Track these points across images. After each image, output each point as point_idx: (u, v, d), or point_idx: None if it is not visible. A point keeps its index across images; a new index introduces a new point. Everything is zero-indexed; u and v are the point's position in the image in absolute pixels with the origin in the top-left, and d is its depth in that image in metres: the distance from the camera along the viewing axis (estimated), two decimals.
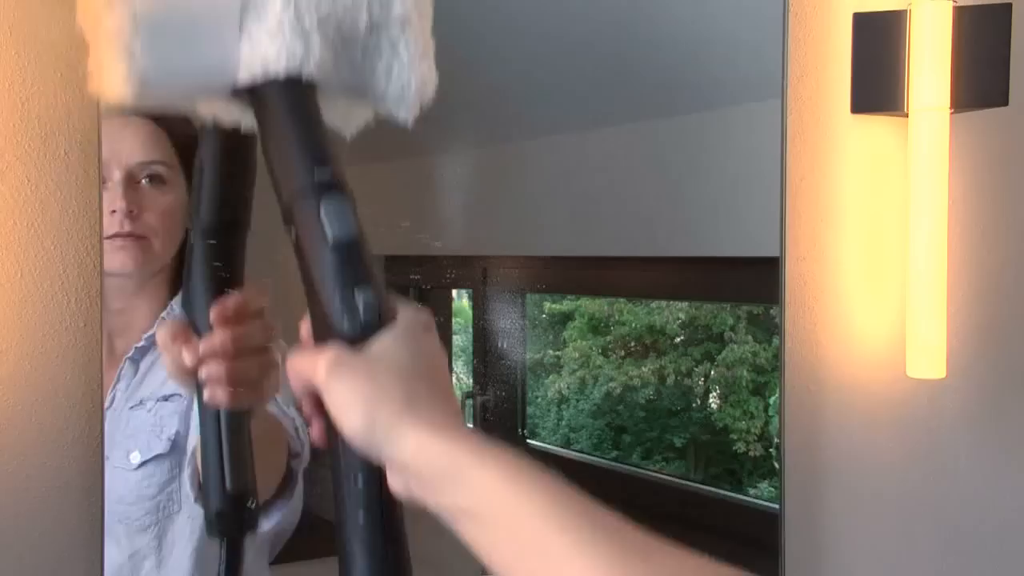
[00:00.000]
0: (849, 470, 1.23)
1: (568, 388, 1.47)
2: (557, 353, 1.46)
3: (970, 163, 1.23)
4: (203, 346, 0.66)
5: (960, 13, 1.11)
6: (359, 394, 0.50)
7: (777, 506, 1.21)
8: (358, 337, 0.51)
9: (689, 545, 1.40)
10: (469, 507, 0.49)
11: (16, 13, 0.88)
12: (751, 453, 1.38)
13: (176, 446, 0.91)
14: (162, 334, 0.68)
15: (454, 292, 1.34)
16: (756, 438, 1.38)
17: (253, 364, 0.67)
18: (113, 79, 0.51)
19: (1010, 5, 1.12)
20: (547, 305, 1.46)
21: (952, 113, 1.13)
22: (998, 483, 1.27)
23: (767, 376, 1.37)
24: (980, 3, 1.12)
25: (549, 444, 1.46)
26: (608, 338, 1.48)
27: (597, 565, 0.45)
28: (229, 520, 0.64)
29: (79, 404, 0.91)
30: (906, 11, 1.13)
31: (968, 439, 1.26)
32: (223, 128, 0.59)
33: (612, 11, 1.23)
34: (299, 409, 0.56)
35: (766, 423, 1.37)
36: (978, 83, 1.12)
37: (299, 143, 0.52)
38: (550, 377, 1.46)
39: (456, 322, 1.33)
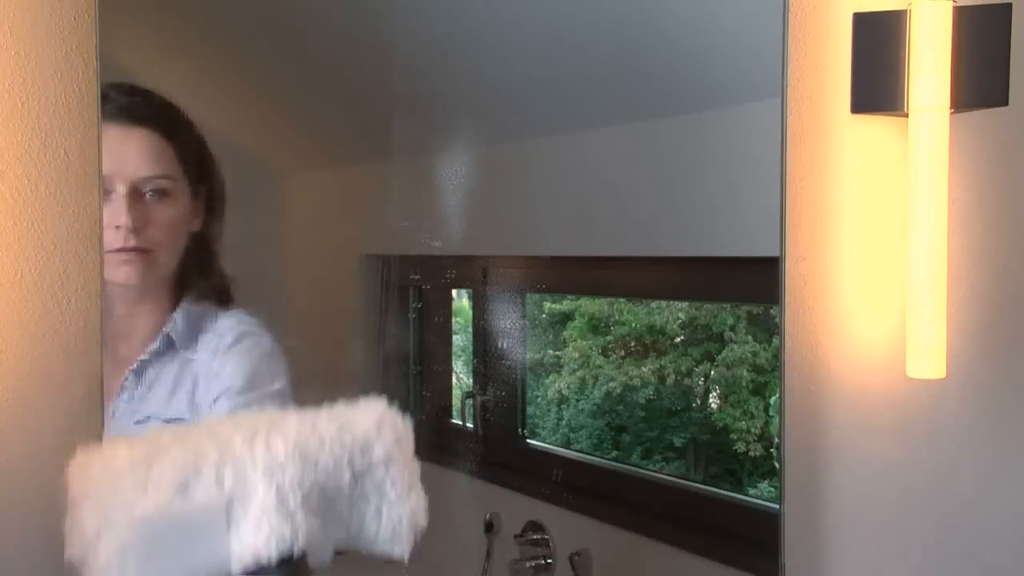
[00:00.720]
0: (849, 470, 1.23)
1: (568, 388, 1.47)
2: (557, 353, 1.46)
3: (970, 163, 1.23)
4: None
5: (960, 13, 1.11)
6: None
7: (777, 506, 1.21)
8: None
9: (689, 545, 1.41)
10: None
11: (16, 13, 0.88)
12: (751, 453, 1.38)
13: None
14: None
15: (454, 292, 1.34)
16: (756, 438, 1.38)
17: None
18: None
19: (1010, 5, 1.12)
20: (547, 305, 1.47)
21: (952, 113, 1.13)
22: (998, 483, 1.27)
23: (767, 376, 1.37)
24: (980, 3, 1.12)
25: (549, 444, 1.46)
26: (608, 338, 1.48)
27: None
28: None
29: (79, 404, 0.91)
30: (906, 11, 1.13)
31: (968, 439, 1.26)
32: None
33: (612, 11, 1.23)
34: None
35: (766, 423, 1.37)
36: (978, 83, 1.12)
37: None
38: (550, 377, 1.46)
39: (456, 322, 1.33)
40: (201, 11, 1.04)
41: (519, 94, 1.25)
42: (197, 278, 0.97)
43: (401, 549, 0.61)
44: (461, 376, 1.35)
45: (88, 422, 0.92)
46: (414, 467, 0.62)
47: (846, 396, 1.22)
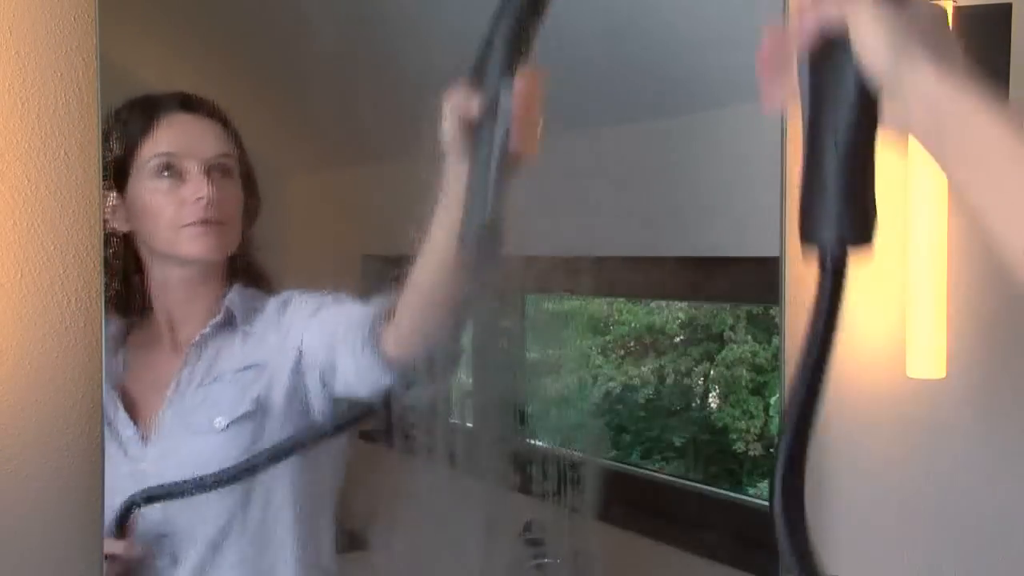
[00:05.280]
0: (849, 470, 1.23)
1: (568, 388, 1.47)
2: (557, 353, 1.46)
3: None
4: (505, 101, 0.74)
5: (960, 13, 1.11)
6: (887, 22, 0.57)
7: None
8: None
9: (689, 545, 1.40)
10: (964, 149, 0.55)
11: (16, 13, 0.88)
12: (751, 453, 1.39)
13: (261, 406, 0.97)
14: (454, 96, 0.79)
15: None
16: (756, 438, 1.38)
17: (536, 123, 0.78)
18: None
19: (1010, 5, 1.12)
20: (547, 305, 1.47)
21: None
22: (998, 483, 1.27)
23: (767, 376, 1.37)
24: (980, 3, 1.12)
25: (549, 444, 1.46)
26: (608, 338, 1.48)
27: None
28: (483, 244, 0.76)
29: (79, 404, 0.91)
30: None
31: (968, 439, 1.26)
32: None
33: (612, 11, 1.23)
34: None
35: (766, 423, 1.37)
36: (978, 83, 1.12)
37: None
38: (550, 377, 1.46)
39: None
40: (201, 12, 1.05)
41: None
42: (243, 267, 1.02)
43: None
44: (461, 376, 1.35)
45: (88, 420, 0.92)
46: None
47: (846, 396, 1.22)
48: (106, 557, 0.92)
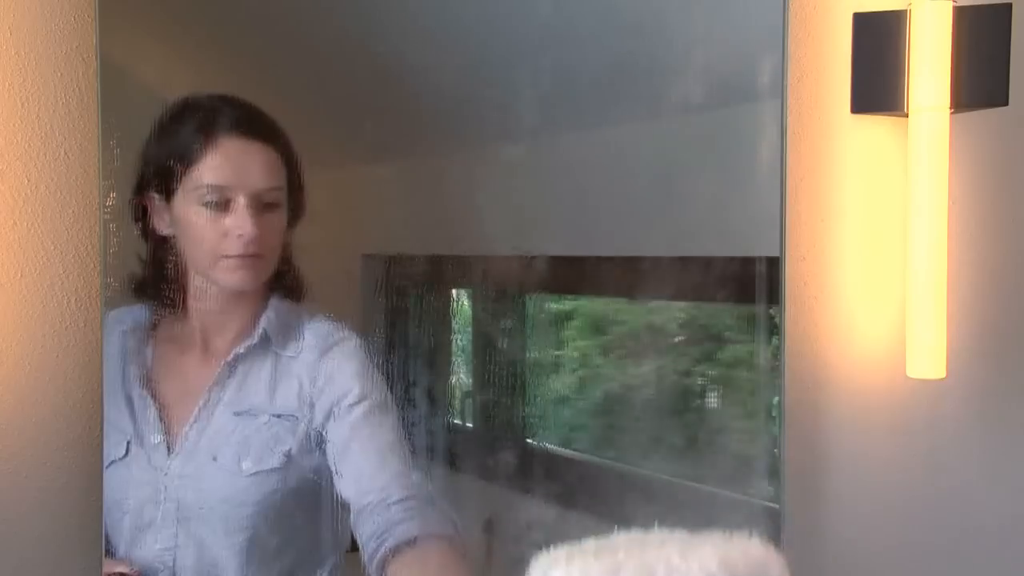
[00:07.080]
0: (849, 470, 1.23)
1: (568, 388, 1.47)
2: (557, 353, 1.46)
3: (970, 163, 1.23)
4: None
5: (960, 13, 1.12)
6: None
7: (777, 506, 1.21)
8: None
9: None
10: None
11: (16, 13, 0.88)
12: (751, 453, 1.38)
13: (289, 461, 0.98)
14: None
15: (454, 292, 1.34)
16: (756, 438, 1.38)
17: None
18: None
19: (1010, 5, 1.12)
20: (547, 305, 1.47)
21: (952, 113, 1.13)
22: (998, 483, 1.27)
23: (767, 376, 1.37)
24: (980, 3, 1.13)
25: (549, 444, 1.46)
26: (608, 338, 1.48)
27: None
28: None
29: (79, 404, 0.91)
30: (906, 11, 1.13)
31: (968, 439, 1.26)
32: None
33: (612, 11, 1.23)
34: None
35: (766, 423, 1.37)
36: (978, 83, 1.12)
37: None
38: (550, 377, 1.46)
39: (456, 322, 1.33)
40: (201, 12, 1.05)
41: (519, 94, 1.25)
42: (282, 277, 1.01)
43: None
44: (461, 376, 1.35)
45: (88, 420, 0.92)
46: None
47: (846, 396, 1.22)
48: None
